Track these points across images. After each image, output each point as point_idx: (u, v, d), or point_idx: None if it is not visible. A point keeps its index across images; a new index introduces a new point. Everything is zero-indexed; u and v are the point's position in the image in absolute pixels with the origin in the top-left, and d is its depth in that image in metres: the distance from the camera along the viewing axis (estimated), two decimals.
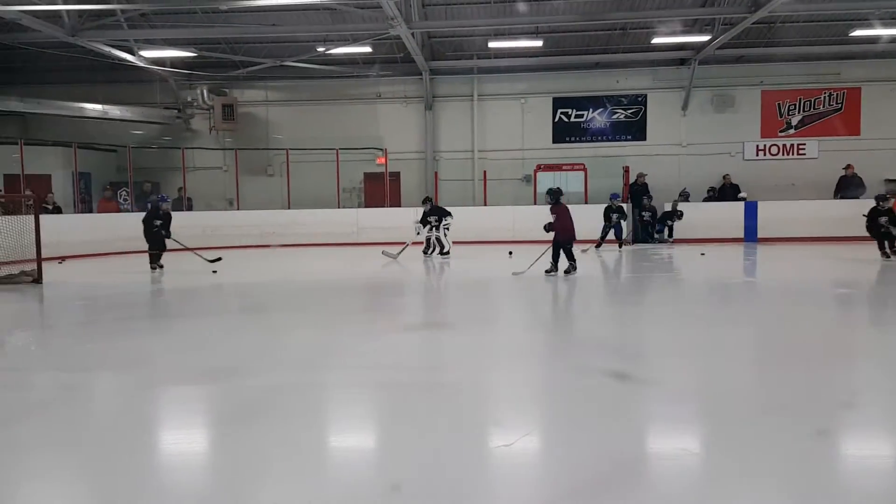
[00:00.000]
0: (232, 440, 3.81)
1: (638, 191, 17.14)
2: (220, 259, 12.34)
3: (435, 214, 14.05)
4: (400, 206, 18.64)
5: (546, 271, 10.45)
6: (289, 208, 18.09)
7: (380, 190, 18.67)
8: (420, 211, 14.54)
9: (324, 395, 4.69)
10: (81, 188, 17.32)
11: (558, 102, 19.13)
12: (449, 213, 14.07)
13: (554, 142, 19.14)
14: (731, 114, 18.75)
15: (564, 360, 5.55)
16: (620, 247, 15.37)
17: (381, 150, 18.94)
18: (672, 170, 18.64)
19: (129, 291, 9.86)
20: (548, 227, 10.44)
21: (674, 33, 17.10)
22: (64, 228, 14.19)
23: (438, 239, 14.07)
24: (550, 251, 10.58)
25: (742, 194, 17.63)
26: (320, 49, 17.26)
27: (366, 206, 19.06)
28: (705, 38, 16.73)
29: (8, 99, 17.64)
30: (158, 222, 12.16)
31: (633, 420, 4.09)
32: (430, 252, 14.12)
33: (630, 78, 18.94)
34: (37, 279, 10.41)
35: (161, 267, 12.17)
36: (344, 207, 18.41)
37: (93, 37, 15.38)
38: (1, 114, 18.47)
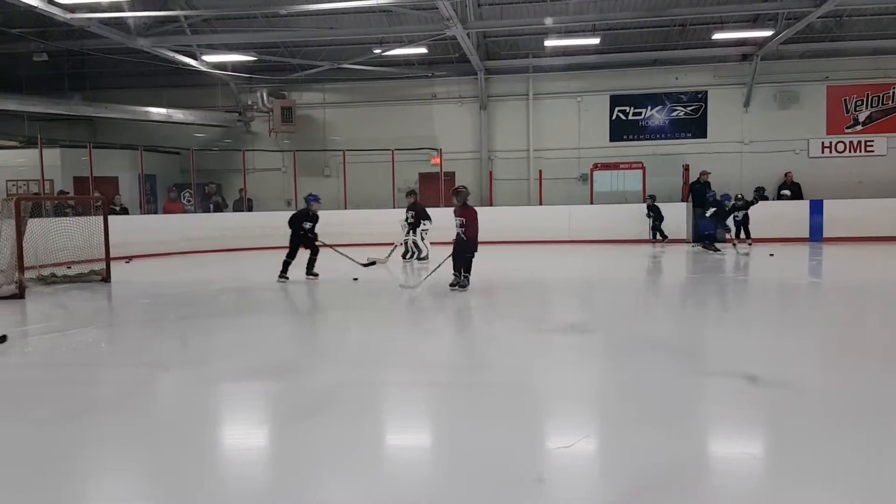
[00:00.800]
0: (293, 437, 3.86)
1: (700, 189, 16.70)
2: (374, 263, 11.20)
3: (413, 211, 13.05)
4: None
5: (451, 285, 9.09)
6: (345, 208, 18.28)
7: (435, 190, 18.70)
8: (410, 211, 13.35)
9: (381, 393, 4.72)
10: (147, 190, 17.87)
11: (616, 100, 18.86)
12: (429, 218, 13.19)
13: (611, 140, 18.89)
14: (796, 110, 18.16)
15: (629, 361, 5.46)
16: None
17: (436, 150, 18.99)
18: (733, 168, 18.17)
19: (192, 290, 10.11)
20: (463, 237, 8.98)
21: (736, 28, 16.67)
22: (130, 229, 14.63)
23: (415, 243, 13.12)
24: (451, 262, 9.21)
25: (784, 192, 17.02)
26: (377, 51, 17.41)
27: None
28: (768, 32, 16.25)
29: (78, 103, 18.35)
30: (308, 224, 10.77)
31: (696, 421, 4.00)
32: (408, 257, 13.23)
33: (690, 74, 18.54)
34: (105, 278, 10.77)
35: (316, 275, 10.68)
36: (399, 207, 18.48)
37: (157, 42, 15.85)
38: (71, 118, 19.25)
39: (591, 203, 17.53)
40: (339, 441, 3.73)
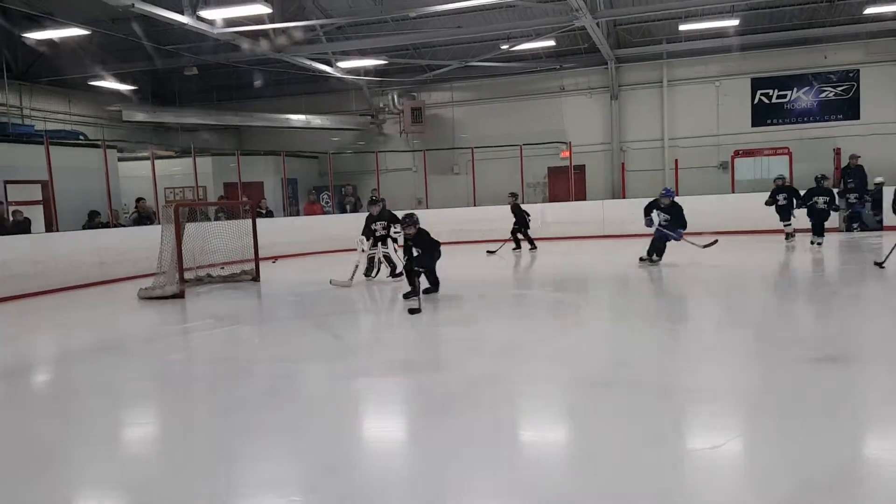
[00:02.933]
0: (433, 431, 3.95)
1: (852, 174, 15.46)
2: (715, 242, 11.48)
3: (383, 220, 10.66)
4: (585, 199, 18.35)
5: None
6: (474, 205, 18.41)
7: (564, 184, 18.48)
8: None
9: (518, 389, 4.71)
10: (289, 193, 18.82)
11: (757, 83, 17.84)
12: (399, 220, 10.15)
13: (753, 125, 17.89)
14: None
15: (770, 358, 5.15)
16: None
17: (565, 143, 18.72)
18: (891, 151, 16.65)
19: (334, 288, 10.52)
20: None
21: (891, 1, 15.28)
22: (275, 230, 15.40)
23: (387, 257, 10.71)
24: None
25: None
26: (504, 47, 17.41)
27: (550, 201, 18.97)
28: None
29: (226, 114, 19.65)
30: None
31: (851, 423, 3.72)
32: (374, 274, 10.79)
33: (840, 52, 17.20)
34: (255, 277, 11.43)
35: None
36: (528, 203, 18.39)
37: (296, 52, 16.65)
38: (220, 127, 20.64)
39: (733, 192, 16.66)
40: (479, 436, 3.77)
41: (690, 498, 2.98)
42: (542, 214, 17.47)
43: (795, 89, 17.58)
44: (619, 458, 3.40)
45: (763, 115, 17.85)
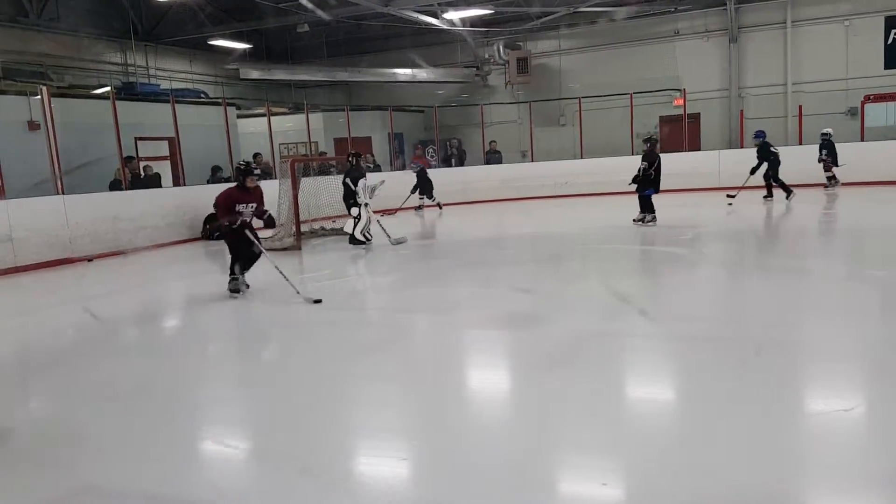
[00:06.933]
0: (537, 384, 4.00)
1: None
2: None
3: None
4: (699, 149, 17.59)
5: None
6: (581, 158, 18.04)
7: (677, 134, 17.75)
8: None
9: (626, 344, 4.68)
10: (396, 147, 19.09)
11: (892, 21, 16.36)
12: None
13: (886, 67, 16.47)
14: None
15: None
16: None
17: (679, 90, 17.94)
18: None
19: (440, 241, 10.70)
20: None
21: None
22: (386, 185, 15.66)
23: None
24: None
25: None
26: None
27: (661, 152, 18.28)
28: None
29: (335, 69, 20.01)
30: None
31: None
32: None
33: None
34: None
35: None
36: (638, 154, 17.80)
37: (402, 4, 16.64)
38: (331, 83, 21.08)
39: (862, 140, 15.52)
40: (583, 391, 3.80)
41: (814, 460, 2.91)
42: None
43: None
44: (733, 416, 3.34)
45: None
